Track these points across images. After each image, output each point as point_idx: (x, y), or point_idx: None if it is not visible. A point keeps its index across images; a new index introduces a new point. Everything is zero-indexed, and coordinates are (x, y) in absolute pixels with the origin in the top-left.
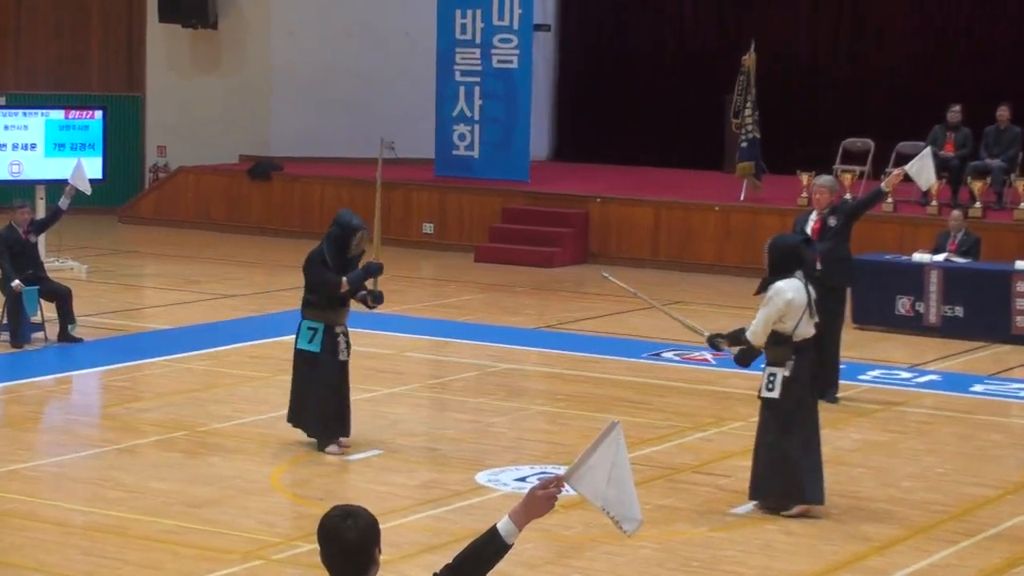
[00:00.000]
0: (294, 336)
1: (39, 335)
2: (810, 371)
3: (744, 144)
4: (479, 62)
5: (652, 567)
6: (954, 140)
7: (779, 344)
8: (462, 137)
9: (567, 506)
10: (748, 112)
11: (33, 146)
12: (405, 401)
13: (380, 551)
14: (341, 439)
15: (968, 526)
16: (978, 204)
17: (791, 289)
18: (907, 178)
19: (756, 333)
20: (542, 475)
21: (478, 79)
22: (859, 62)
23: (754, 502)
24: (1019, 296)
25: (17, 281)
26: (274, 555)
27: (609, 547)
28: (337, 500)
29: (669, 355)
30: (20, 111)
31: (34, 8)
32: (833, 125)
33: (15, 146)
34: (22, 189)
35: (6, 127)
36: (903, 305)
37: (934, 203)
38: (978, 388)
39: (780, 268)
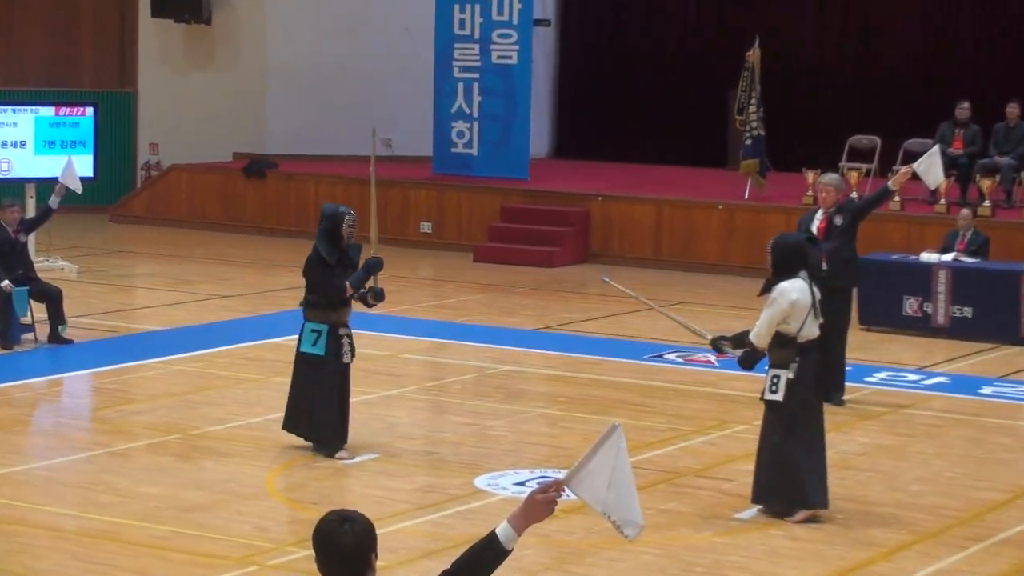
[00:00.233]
0: (296, 338)
1: (29, 336)
2: (815, 373)
3: (748, 141)
4: (478, 58)
5: (654, 573)
6: (963, 137)
7: (783, 346)
8: (460, 134)
9: (567, 511)
10: (752, 109)
11: (23, 143)
12: (402, 404)
13: (377, 557)
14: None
15: (977, 531)
16: (987, 203)
17: (795, 290)
18: (915, 176)
19: (760, 335)
20: (542, 479)
21: (477, 75)
22: (865, 57)
23: (758, 507)
24: None
25: (7, 281)
26: (268, 561)
27: (610, 553)
28: (333, 505)
29: (671, 357)
30: (9, 108)
31: (25, 3)
32: (839, 122)
33: (4, 143)
34: (11, 187)
35: None
36: (911, 306)
37: (942, 201)
38: (987, 390)
39: (784, 268)
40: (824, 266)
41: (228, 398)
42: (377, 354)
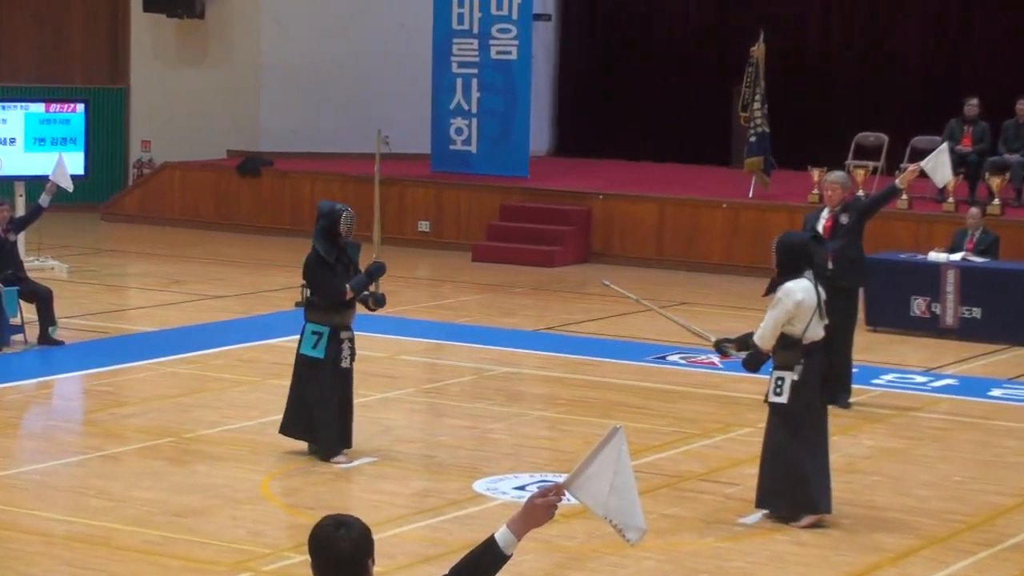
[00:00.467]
0: (295, 339)
1: (19, 337)
2: (820, 375)
3: (753, 138)
4: (477, 53)
5: None
6: (971, 134)
7: (788, 347)
8: (459, 131)
9: (568, 515)
10: (757, 105)
11: (12, 141)
12: (400, 406)
13: (374, 562)
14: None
15: (986, 536)
16: (996, 201)
17: (800, 290)
18: (922, 174)
19: (764, 337)
20: (542, 483)
21: (476, 71)
22: (872, 53)
23: (763, 511)
24: None
25: None
26: (263, 566)
27: (612, 558)
28: (329, 509)
29: (674, 358)
30: None
31: None
32: (845, 118)
33: None
34: (1, 186)
35: None
36: (918, 306)
37: (951, 200)
38: (996, 393)
39: (789, 267)
40: (830, 265)
41: (222, 401)
42: (374, 356)
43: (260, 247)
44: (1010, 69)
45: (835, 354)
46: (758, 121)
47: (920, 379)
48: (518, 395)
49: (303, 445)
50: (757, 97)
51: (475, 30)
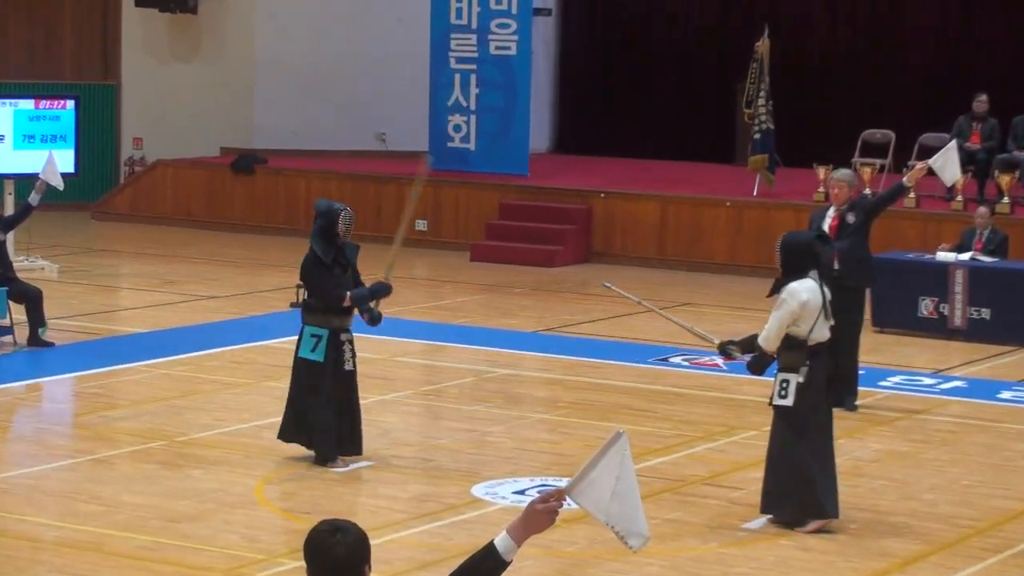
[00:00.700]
0: (293, 341)
1: (8, 339)
2: (825, 377)
3: (757, 136)
4: (476, 48)
5: None
6: (980, 131)
7: (792, 349)
8: (458, 128)
9: (569, 521)
10: (761, 102)
11: (1, 138)
12: (397, 409)
13: (371, 568)
14: (348, 457)
15: (995, 541)
16: (1006, 199)
17: (805, 290)
18: (930, 172)
19: (768, 338)
20: (542, 488)
21: (474, 66)
22: (879, 48)
23: (767, 516)
24: None
25: None
26: (257, 572)
27: (614, 564)
28: (325, 514)
29: (677, 360)
30: None
31: None
32: (852, 115)
33: None
34: None
35: None
36: (926, 307)
37: (959, 198)
38: (1006, 395)
39: (794, 267)
40: (836, 265)
41: (216, 403)
42: (371, 357)
43: (254, 246)
44: (1019, 65)
45: (841, 356)
46: (762, 118)
47: (928, 381)
48: (518, 397)
49: (299, 449)
50: (761, 93)
51: (474, 25)
